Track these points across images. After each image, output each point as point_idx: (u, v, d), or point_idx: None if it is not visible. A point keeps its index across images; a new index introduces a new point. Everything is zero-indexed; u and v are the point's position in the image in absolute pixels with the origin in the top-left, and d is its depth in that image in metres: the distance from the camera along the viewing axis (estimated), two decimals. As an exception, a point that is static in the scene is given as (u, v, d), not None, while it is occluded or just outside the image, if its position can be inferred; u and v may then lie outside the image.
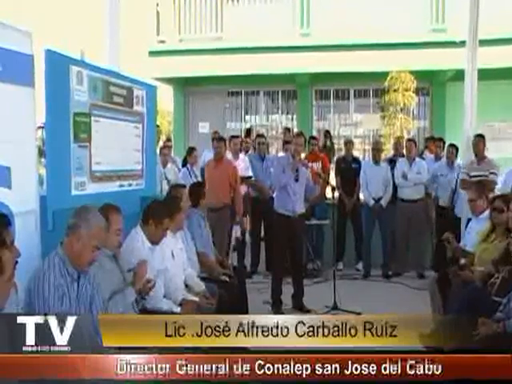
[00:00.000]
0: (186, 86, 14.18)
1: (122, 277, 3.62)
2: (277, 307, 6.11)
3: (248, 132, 10.12)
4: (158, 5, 13.68)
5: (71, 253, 2.97)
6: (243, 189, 7.91)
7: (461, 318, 4.14)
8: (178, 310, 4.05)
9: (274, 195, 6.34)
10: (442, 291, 5.18)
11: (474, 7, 7.07)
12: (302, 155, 8.23)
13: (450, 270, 5.20)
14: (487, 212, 5.37)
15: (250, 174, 7.87)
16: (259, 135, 8.73)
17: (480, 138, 7.14)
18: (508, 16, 11.12)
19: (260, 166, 7.94)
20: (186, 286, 4.56)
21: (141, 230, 4.07)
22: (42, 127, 4.54)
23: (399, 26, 11.81)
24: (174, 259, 4.41)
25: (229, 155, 7.98)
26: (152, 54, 13.17)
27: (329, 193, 6.95)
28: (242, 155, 8.16)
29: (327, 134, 10.43)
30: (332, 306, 5.99)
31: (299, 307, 6.14)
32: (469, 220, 6.08)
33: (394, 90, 11.90)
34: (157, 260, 4.08)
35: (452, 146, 7.89)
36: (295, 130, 12.08)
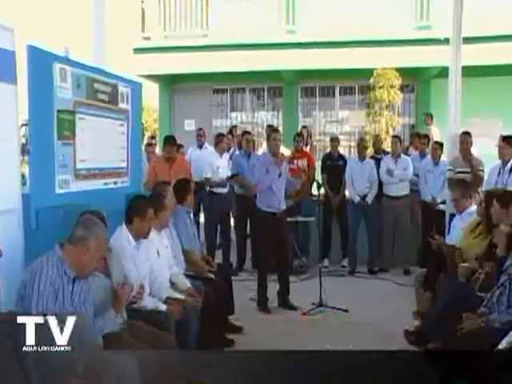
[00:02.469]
0: (171, 83, 14.12)
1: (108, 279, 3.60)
2: (263, 304, 6.11)
3: (231, 130, 10.06)
4: (142, 1, 13.61)
5: (77, 262, 2.96)
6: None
7: (446, 313, 4.19)
8: (164, 308, 4.03)
9: (258, 193, 6.29)
10: (427, 287, 5.22)
11: (458, 5, 7.11)
12: (288, 151, 8.26)
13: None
14: (471, 209, 5.43)
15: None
16: (246, 132, 8.65)
17: (466, 136, 7.16)
18: (491, 14, 11.20)
19: (246, 163, 7.89)
20: (172, 283, 4.54)
21: (126, 228, 4.04)
22: (25, 124, 4.49)
23: (384, 23, 11.84)
24: (159, 257, 4.39)
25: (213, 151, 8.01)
26: (137, 50, 13.09)
27: (315, 190, 6.93)
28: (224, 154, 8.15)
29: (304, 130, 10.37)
30: (318, 303, 6.00)
31: (285, 304, 6.14)
32: (453, 215, 6.14)
33: (380, 87, 11.93)
34: (142, 258, 4.06)
35: (437, 142, 7.93)
36: (280, 127, 12.08)
